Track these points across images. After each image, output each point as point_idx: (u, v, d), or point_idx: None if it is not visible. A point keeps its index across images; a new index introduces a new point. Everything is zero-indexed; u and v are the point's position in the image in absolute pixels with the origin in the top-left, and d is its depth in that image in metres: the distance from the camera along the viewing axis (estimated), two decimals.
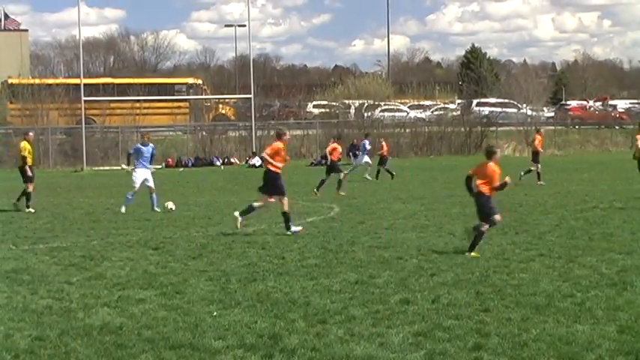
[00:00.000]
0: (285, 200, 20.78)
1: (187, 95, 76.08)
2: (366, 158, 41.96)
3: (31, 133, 31.11)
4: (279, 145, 21.16)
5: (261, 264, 16.25)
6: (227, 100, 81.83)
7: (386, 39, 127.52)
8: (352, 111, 78.45)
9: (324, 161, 59.37)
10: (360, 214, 24.88)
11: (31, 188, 28.51)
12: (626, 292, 13.05)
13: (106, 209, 28.11)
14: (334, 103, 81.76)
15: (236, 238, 19.92)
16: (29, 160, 28.89)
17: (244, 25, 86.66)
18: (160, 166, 61.50)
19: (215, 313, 12.12)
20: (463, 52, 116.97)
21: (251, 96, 66.34)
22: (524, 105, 77.40)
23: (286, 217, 20.78)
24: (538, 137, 37.56)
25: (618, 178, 38.30)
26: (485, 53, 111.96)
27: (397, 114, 77.83)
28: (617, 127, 78.10)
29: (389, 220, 23.13)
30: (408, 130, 72.41)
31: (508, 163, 44.04)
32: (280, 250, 17.86)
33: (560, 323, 11.21)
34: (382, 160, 41.80)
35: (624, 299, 12.53)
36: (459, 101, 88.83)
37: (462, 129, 71.93)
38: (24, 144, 29.36)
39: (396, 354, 9.93)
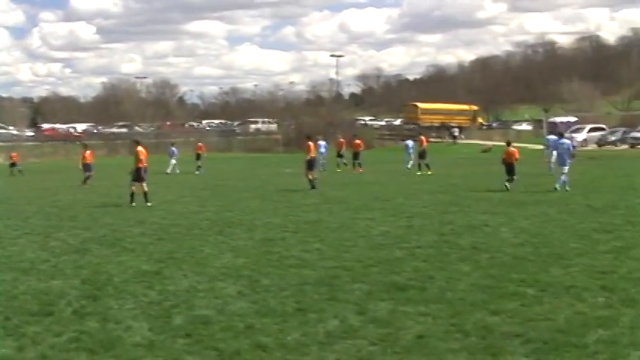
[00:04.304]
0: None
1: None
2: None
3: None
4: None
5: None
6: None
7: None
8: None
9: None
10: None
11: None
12: (87, 255, 13.11)
13: None
14: None
15: None
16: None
17: None
18: None
19: None
20: None
21: None
22: (11, 127, 75.01)
23: None
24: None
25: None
26: None
27: None
28: (77, 143, 77.70)
29: None
30: None
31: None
32: None
33: (41, 280, 11.01)
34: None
35: (85, 260, 12.59)
36: None
37: None
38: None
39: None
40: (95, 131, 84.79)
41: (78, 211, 20.56)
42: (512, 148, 25.17)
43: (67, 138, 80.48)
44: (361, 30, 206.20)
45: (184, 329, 8.19)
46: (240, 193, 25.53)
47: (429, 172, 33.14)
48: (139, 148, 22.53)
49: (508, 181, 23.96)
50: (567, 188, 22.68)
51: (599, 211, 17.55)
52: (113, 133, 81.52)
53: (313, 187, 25.51)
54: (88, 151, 32.48)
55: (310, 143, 26.85)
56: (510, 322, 8.09)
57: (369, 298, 9.33)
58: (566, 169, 23.29)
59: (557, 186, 22.69)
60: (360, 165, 37.65)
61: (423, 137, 36.91)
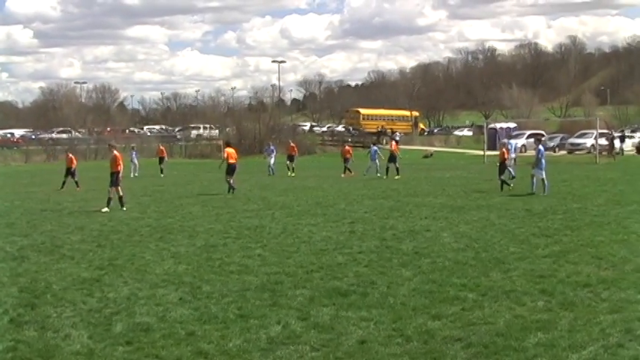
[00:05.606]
0: None
1: None
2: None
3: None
4: None
5: None
6: None
7: None
8: None
9: None
10: None
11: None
12: (24, 263, 12.85)
13: None
14: None
15: None
16: None
17: None
18: None
19: None
20: None
21: None
22: None
23: None
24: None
25: None
26: None
27: None
28: (15, 148, 76.08)
29: None
30: None
31: None
32: None
33: None
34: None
35: (23, 268, 12.34)
36: None
37: None
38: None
39: None
40: (34, 137, 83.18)
41: (16, 218, 20.12)
42: (504, 149, 27.24)
43: (5, 144, 79.03)
44: (303, 36, 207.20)
45: (125, 337, 8.09)
46: (182, 199, 25.30)
47: (397, 177, 33.65)
48: (115, 152, 22.18)
49: (502, 181, 25.51)
50: (545, 192, 23.36)
51: (539, 216, 17.89)
52: (52, 138, 80.00)
53: (231, 190, 26.27)
54: (70, 155, 32.25)
55: (227, 150, 27.59)
56: (451, 327, 8.19)
57: (311, 304, 9.34)
58: (542, 172, 24.11)
59: (546, 189, 23.61)
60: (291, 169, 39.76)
61: (394, 143, 38.78)
